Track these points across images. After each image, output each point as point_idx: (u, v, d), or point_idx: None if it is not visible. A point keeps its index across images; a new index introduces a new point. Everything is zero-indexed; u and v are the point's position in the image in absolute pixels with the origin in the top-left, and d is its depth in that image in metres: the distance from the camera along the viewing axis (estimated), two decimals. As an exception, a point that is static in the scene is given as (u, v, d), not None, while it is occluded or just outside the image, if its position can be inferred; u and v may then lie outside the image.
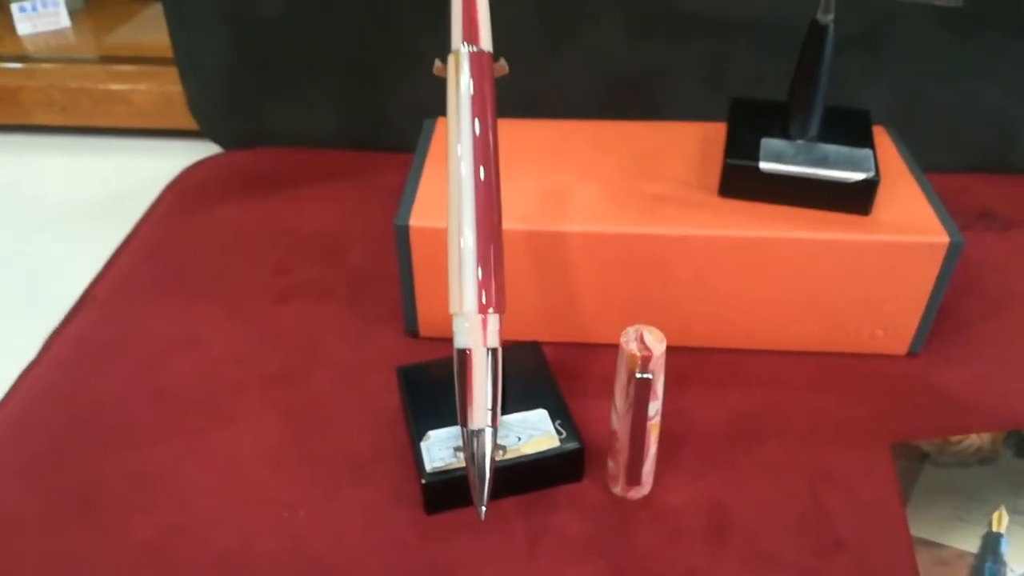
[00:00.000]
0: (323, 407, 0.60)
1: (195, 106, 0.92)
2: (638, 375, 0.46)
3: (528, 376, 0.57)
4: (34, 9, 1.08)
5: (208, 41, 0.87)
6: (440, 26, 0.84)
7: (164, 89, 0.96)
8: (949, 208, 0.60)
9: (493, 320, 0.42)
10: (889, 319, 0.61)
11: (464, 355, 0.42)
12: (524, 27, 0.81)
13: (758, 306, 0.61)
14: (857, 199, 0.58)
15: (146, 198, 0.85)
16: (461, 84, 0.42)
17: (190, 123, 0.93)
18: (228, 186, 0.86)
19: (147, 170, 0.94)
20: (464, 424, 0.42)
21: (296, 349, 0.65)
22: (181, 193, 0.85)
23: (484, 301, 0.42)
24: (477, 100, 0.42)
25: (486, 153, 0.42)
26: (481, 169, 0.41)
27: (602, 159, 0.66)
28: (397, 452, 0.56)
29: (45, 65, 0.99)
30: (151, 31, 1.00)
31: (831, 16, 0.56)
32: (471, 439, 0.43)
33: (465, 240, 0.41)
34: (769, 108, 0.64)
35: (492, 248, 0.42)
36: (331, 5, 0.83)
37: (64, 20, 1.10)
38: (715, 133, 0.68)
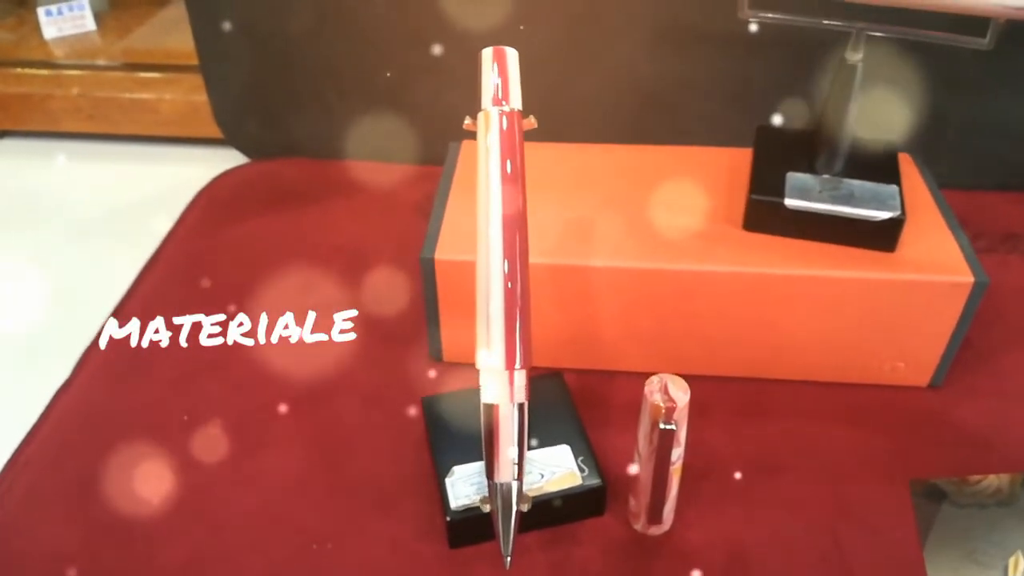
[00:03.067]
0: (349, 433, 0.61)
1: (220, 115, 0.93)
2: (662, 426, 0.47)
3: (551, 409, 0.58)
4: (60, 13, 1.08)
5: (233, 51, 0.87)
6: (465, 41, 0.85)
7: (190, 98, 0.96)
8: (973, 230, 0.60)
9: (520, 376, 0.43)
10: (911, 353, 0.61)
11: (491, 410, 0.43)
12: (546, 43, 0.81)
13: (781, 339, 0.62)
14: (882, 237, 0.58)
15: (173, 206, 0.86)
16: (491, 147, 0.43)
17: (216, 131, 0.94)
18: (254, 199, 0.87)
19: (174, 178, 0.95)
20: (491, 476, 0.43)
21: (319, 369, 0.66)
22: (207, 206, 0.86)
23: (511, 359, 0.42)
24: (507, 164, 0.43)
25: (515, 217, 0.42)
26: (510, 234, 0.42)
27: (626, 188, 0.66)
28: (422, 481, 0.57)
29: (73, 72, 1.00)
30: (175, 33, 1.00)
31: (860, 56, 0.56)
32: (497, 490, 0.44)
33: (493, 303, 0.42)
34: (794, 138, 0.64)
35: (519, 310, 0.42)
36: (358, 19, 0.83)
37: (90, 23, 1.10)
38: (741, 161, 0.68)
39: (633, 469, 0.51)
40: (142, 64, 1.01)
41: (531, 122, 0.45)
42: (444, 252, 0.60)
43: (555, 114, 0.85)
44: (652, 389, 0.48)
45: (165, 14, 1.14)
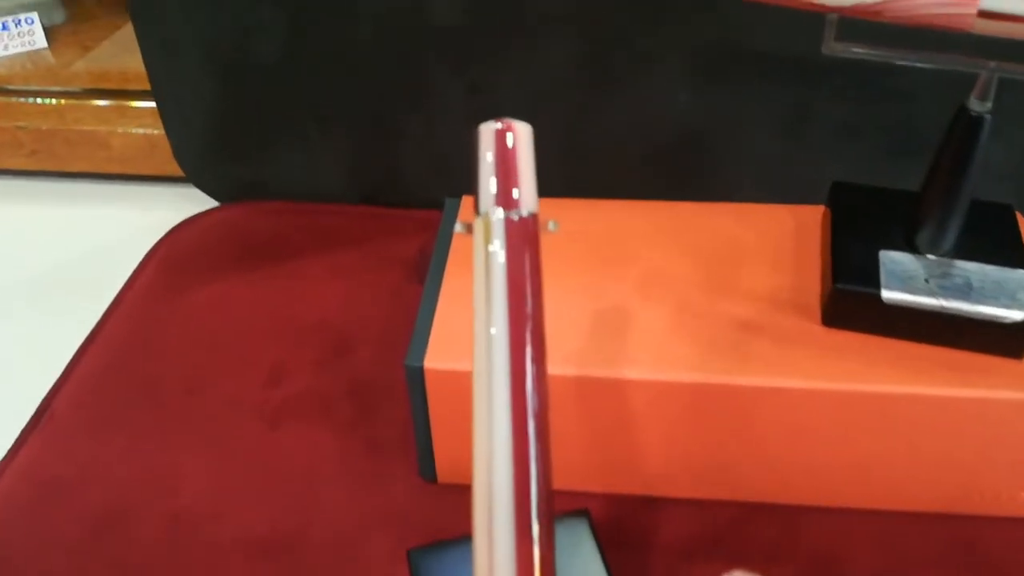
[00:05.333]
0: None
1: (180, 152, 0.79)
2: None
3: (571, 564, 0.45)
4: (4, 28, 0.95)
5: (194, 78, 0.73)
6: (462, 66, 0.72)
7: (148, 131, 0.83)
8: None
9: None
10: (1039, 480, 0.48)
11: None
12: (565, 70, 0.66)
13: (871, 464, 0.48)
14: (1010, 341, 0.45)
15: (125, 259, 0.73)
16: (494, 274, 0.29)
17: (178, 169, 0.81)
18: (218, 255, 0.73)
19: (128, 223, 0.82)
20: None
21: (289, 497, 0.53)
22: (162, 265, 0.72)
23: (526, 586, 0.29)
24: (518, 302, 0.29)
25: (525, 399, 0.29)
26: (519, 424, 0.28)
27: (667, 262, 0.52)
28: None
29: (14, 100, 0.87)
30: (137, 52, 0.87)
31: (989, 104, 0.42)
32: None
33: (498, 514, 0.29)
34: (882, 200, 0.51)
35: (539, 521, 0.29)
36: (339, 40, 0.69)
37: (40, 40, 0.96)
38: (810, 222, 0.54)
39: None
40: (95, 90, 0.87)
41: (549, 229, 0.31)
42: (436, 359, 0.47)
43: (575, 159, 0.72)
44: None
45: (127, 28, 1.00)
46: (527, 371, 0.29)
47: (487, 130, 0.31)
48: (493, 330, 0.29)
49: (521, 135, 0.31)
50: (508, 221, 0.30)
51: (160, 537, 0.51)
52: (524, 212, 0.30)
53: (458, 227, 0.31)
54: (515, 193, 0.30)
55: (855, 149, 0.66)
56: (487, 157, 0.30)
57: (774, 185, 0.67)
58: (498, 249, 0.29)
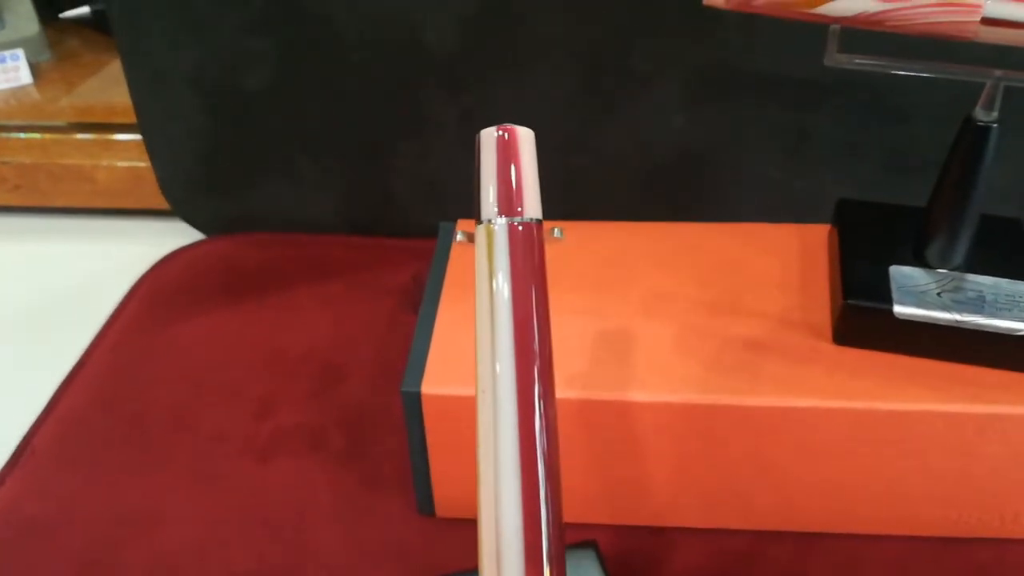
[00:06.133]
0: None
1: (166, 184, 0.78)
2: None
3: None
4: (-11, 65, 0.94)
5: (180, 108, 0.72)
6: (455, 93, 0.71)
7: (133, 164, 0.81)
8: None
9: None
10: (1061, 501, 0.46)
11: None
12: (560, 91, 0.66)
13: (885, 486, 0.46)
14: (1026, 354, 0.43)
15: (110, 294, 0.71)
16: (498, 283, 0.28)
17: (164, 202, 0.79)
18: (204, 288, 0.71)
19: (114, 258, 0.80)
20: None
21: (278, 532, 0.51)
22: (147, 298, 0.70)
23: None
24: (524, 319, 0.27)
25: (534, 408, 0.27)
26: (527, 434, 0.27)
27: (671, 283, 0.51)
28: None
29: (-2, 135, 0.85)
30: (122, 88, 0.86)
31: (996, 113, 0.41)
32: None
33: (505, 524, 0.27)
34: (889, 216, 0.50)
35: (547, 531, 0.27)
36: (329, 68, 0.68)
37: (25, 76, 0.95)
38: (816, 241, 0.53)
39: None
40: (81, 124, 0.86)
41: (554, 236, 0.30)
42: (434, 384, 0.45)
43: (572, 183, 0.71)
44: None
45: (118, 64, 0.99)
46: (536, 408, 0.28)
47: (487, 136, 0.29)
48: (499, 367, 0.27)
49: (523, 140, 0.29)
50: (511, 228, 0.28)
51: (143, 573, 0.48)
52: (528, 218, 0.28)
53: (459, 236, 0.30)
54: (518, 199, 0.28)
55: (855, 168, 0.65)
56: (487, 163, 0.29)
57: (775, 205, 0.66)
58: (502, 282, 0.28)
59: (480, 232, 0.29)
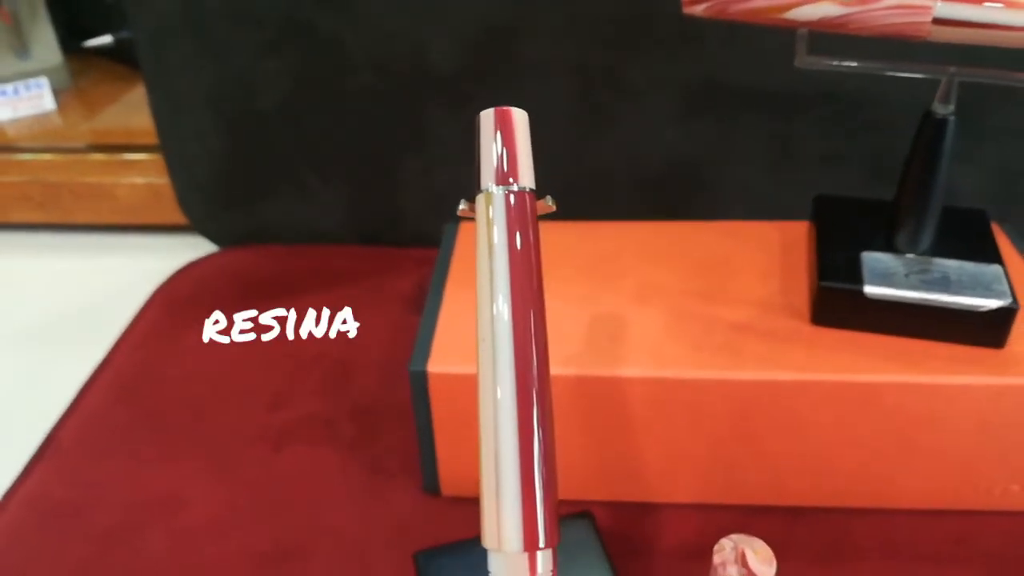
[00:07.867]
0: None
1: (184, 199, 0.82)
2: (744, 615, 0.34)
3: (577, 564, 0.45)
4: (16, 92, 0.99)
5: (198, 126, 0.77)
6: (458, 109, 0.76)
7: (151, 181, 0.85)
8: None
9: (544, 559, 0.31)
10: (1029, 472, 0.49)
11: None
12: (556, 104, 0.70)
13: (865, 459, 0.49)
14: (989, 330, 0.46)
15: (130, 305, 0.74)
16: (496, 242, 0.31)
17: (182, 217, 0.83)
18: (221, 294, 0.75)
19: (133, 271, 0.83)
20: None
21: (293, 514, 0.54)
22: (166, 305, 0.74)
23: (531, 538, 0.30)
24: (518, 264, 0.31)
25: (529, 340, 0.30)
26: (523, 363, 0.30)
27: (661, 275, 0.54)
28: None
29: (22, 156, 0.90)
30: (144, 109, 0.90)
31: (952, 107, 0.45)
32: None
33: (503, 461, 0.30)
34: (862, 209, 0.53)
35: (541, 469, 0.30)
36: (338, 87, 0.72)
37: (49, 103, 1.00)
38: (796, 236, 0.57)
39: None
40: (101, 145, 0.90)
41: (548, 205, 0.33)
42: (439, 363, 0.48)
43: (568, 186, 0.75)
44: (725, 559, 0.35)
45: (137, 91, 1.04)
46: (531, 342, 0.31)
47: (485, 116, 0.33)
48: (495, 307, 0.31)
49: (518, 118, 0.33)
50: (507, 195, 0.32)
51: (167, 552, 0.51)
52: (522, 187, 0.32)
53: (462, 205, 0.33)
54: (512, 170, 0.32)
55: (837, 176, 0.69)
56: (486, 139, 0.32)
57: (761, 212, 0.70)
58: (498, 233, 0.31)
59: (480, 200, 0.32)
